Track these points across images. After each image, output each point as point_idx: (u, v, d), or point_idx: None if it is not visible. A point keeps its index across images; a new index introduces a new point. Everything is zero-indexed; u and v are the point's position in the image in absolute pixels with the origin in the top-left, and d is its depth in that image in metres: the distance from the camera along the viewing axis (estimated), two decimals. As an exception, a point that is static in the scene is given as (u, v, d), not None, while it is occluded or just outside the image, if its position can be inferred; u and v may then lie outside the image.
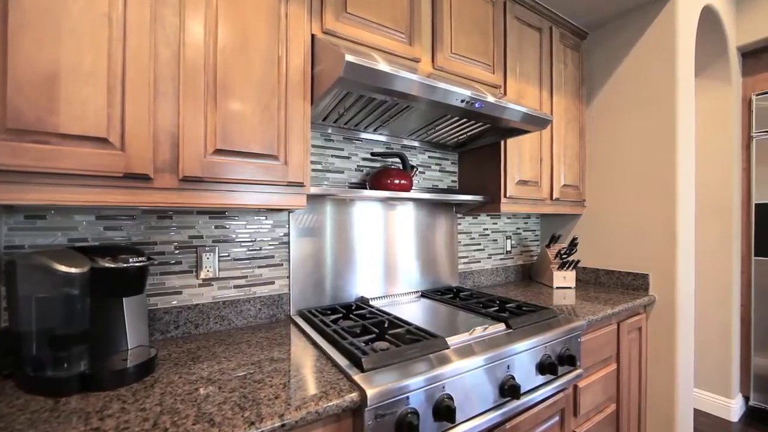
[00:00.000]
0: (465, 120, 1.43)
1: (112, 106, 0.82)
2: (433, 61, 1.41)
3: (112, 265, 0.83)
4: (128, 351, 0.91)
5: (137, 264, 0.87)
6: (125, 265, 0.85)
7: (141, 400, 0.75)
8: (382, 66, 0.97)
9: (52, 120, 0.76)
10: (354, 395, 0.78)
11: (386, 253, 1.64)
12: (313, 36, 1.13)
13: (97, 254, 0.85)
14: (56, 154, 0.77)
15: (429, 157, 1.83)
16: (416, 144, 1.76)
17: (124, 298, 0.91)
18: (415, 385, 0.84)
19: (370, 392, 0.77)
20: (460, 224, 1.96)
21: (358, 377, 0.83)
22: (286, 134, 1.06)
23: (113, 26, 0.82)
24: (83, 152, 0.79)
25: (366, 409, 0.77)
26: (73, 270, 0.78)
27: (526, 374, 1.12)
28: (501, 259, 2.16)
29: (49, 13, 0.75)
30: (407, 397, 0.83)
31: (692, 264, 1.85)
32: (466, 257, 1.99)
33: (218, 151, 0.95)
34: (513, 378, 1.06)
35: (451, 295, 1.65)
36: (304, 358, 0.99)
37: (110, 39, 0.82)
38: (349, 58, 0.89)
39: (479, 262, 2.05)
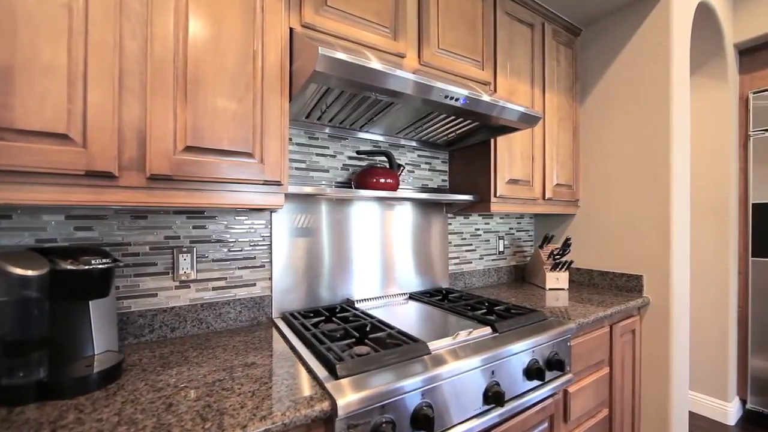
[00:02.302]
0: (453, 117, 1.39)
1: (73, 101, 0.79)
2: (419, 56, 1.37)
3: (74, 267, 0.79)
4: (94, 357, 0.87)
5: (100, 266, 0.83)
6: (87, 267, 0.81)
7: (99, 410, 0.72)
8: (356, 59, 0.93)
9: (7, 115, 0.72)
10: (325, 405, 0.74)
11: (373, 254, 1.60)
12: (291, 30, 1.09)
13: (58, 256, 0.81)
14: (12, 151, 0.73)
15: (419, 155, 1.79)
16: (405, 142, 1.72)
17: (90, 302, 0.87)
18: (391, 393, 0.81)
19: (341, 401, 0.74)
20: (450, 224, 1.92)
21: (330, 385, 0.79)
22: (262, 131, 1.02)
23: (74, 17, 0.78)
24: (42, 149, 0.76)
25: (337, 419, 0.73)
26: (29, 272, 0.74)
27: (512, 380, 1.08)
28: (493, 259, 2.12)
29: (1, 2, 0.72)
30: (382, 406, 0.79)
31: (687, 265, 1.81)
32: (458, 258, 1.95)
33: (189, 149, 0.92)
34: (498, 384, 1.02)
35: (440, 297, 1.61)
36: (279, 363, 0.95)
37: (70, 31, 0.78)
38: (323, 51, 0.86)
39: (471, 263, 2.01)
